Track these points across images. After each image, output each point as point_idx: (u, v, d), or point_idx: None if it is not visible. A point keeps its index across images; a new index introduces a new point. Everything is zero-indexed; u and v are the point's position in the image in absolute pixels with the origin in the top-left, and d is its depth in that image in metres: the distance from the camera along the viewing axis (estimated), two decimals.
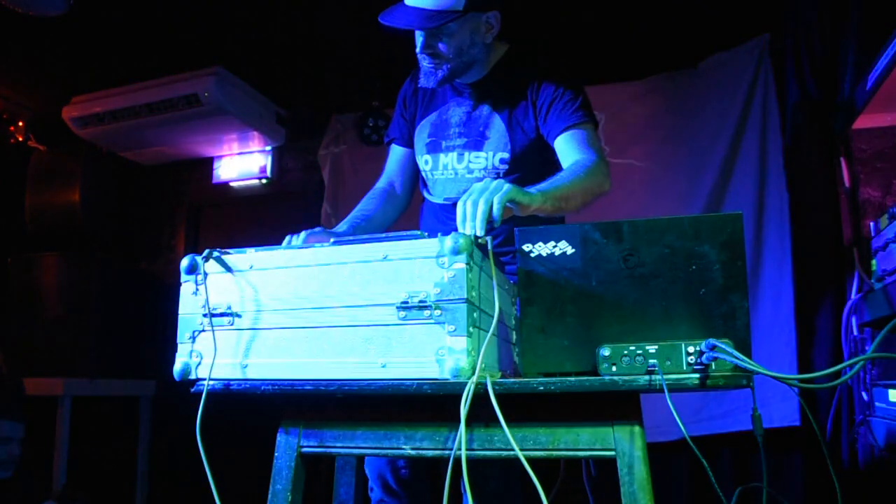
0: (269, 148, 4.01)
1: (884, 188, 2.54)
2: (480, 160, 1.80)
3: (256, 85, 3.67)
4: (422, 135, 1.91)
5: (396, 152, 2.03)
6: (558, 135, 1.72)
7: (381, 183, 2.02)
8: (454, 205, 1.82)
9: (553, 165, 1.72)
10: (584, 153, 1.66)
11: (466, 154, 1.81)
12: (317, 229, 1.56)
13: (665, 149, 3.19)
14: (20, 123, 4.03)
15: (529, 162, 1.77)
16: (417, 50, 1.73)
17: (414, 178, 2.03)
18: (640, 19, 3.04)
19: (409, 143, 1.99)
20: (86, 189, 3.75)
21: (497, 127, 1.79)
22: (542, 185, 1.47)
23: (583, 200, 1.55)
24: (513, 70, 1.82)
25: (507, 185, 1.32)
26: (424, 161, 1.89)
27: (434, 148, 1.87)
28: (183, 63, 3.44)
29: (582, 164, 1.60)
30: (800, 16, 2.75)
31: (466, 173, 1.81)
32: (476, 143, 1.81)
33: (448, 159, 1.84)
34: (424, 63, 1.74)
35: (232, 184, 4.12)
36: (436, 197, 1.89)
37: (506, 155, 1.78)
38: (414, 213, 2.04)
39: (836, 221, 2.57)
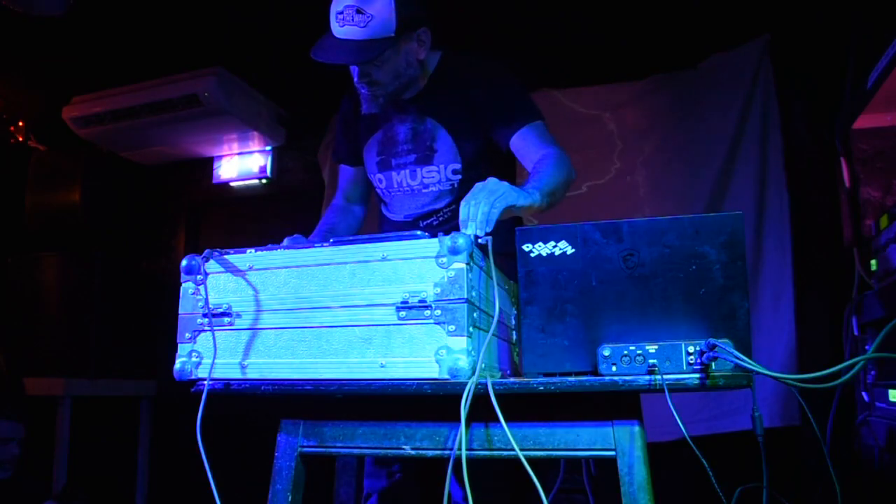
0: (269, 148, 4.01)
1: (884, 188, 2.54)
2: (433, 174, 1.81)
3: (256, 85, 3.67)
4: (370, 153, 1.91)
5: (346, 172, 2.06)
6: (511, 135, 1.72)
7: (336, 200, 2.06)
8: (415, 220, 1.85)
9: (503, 167, 1.74)
10: (545, 148, 1.67)
11: (418, 170, 1.82)
12: (296, 236, 1.57)
13: (665, 149, 3.19)
14: (20, 123, 4.03)
15: (480, 168, 1.78)
16: (355, 79, 1.72)
17: (367, 191, 2.06)
18: (640, 19, 3.04)
19: (355, 162, 2.01)
20: (86, 189, 3.75)
21: (443, 139, 1.79)
22: (532, 184, 1.48)
23: (563, 193, 1.58)
24: (449, 78, 1.81)
25: (507, 189, 1.33)
26: (378, 179, 1.90)
27: (384, 166, 1.88)
28: (183, 63, 3.44)
29: (550, 158, 1.61)
30: (800, 16, 2.75)
31: (422, 188, 1.83)
32: (426, 157, 1.81)
33: (401, 177, 1.85)
34: (363, 91, 1.73)
35: (232, 184, 4.12)
36: (395, 214, 1.91)
37: (457, 165, 1.79)
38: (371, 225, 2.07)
39: (836, 221, 2.58)
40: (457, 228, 1.31)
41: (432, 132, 1.81)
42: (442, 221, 1.83)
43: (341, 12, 1.58)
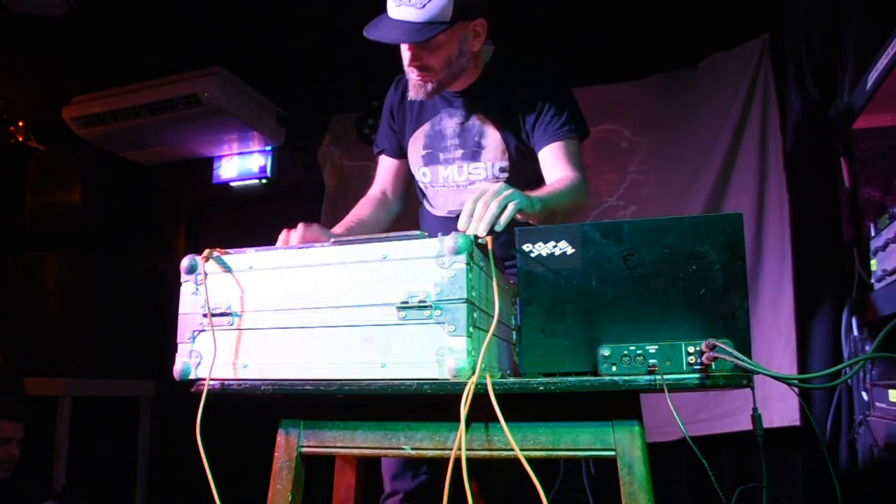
0: (269, 148, 4.01)
1: (884, 188, 2.53)
2: (480, 170, 1.80)
3: (256, 85, 3.67)
4: (416, 146, 1.89)
5: (386, 162, 2.02)
6: (543, 147, 1.72)
7: (373, 190, 2.03)
8: (458, 217, 1.84)
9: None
10: (568, 170, 1.66)
11: (466, 166, 1.81)
12: (312, 225, 1.55)
13: (665, 149, 3.19)
14: (20, 123, 4.03)
15: (528, 168, 1.77)
16: (405, 63, 1.70)
17: (406, 186, 2.03)
18: (640, 19, 3.04)
19: (398, 154, 1.98)
20: (86, 189, 3.75)
21: (492, 136, 1.79)
22: (539, 194, 1.47)
23: (564, 218, 1.56)
24: (500, 75, 1.80)
25: (516, 193, 1.32)
26: (422, 173, 1.89)
27: (431, 160, 1.86)
28: (183, 63, 3.45)
29: (569, 181, 1.60)
30: (800, 15, 2.75)
31: (468, 185, 1.82)
32: (474, 154, 1.80)
33: (448, 172, 1.84)
34: (413, 76, 1.71)
35: (232, 184, 4.13)
36: (438, 209, 1.89)
37: (505, 164, 1.78)
38: (408, 220, 2.04)
39: (836, 221, 2.57)
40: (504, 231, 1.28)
41: (480, 128, 1.80)
42: None
43: None
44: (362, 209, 1.95)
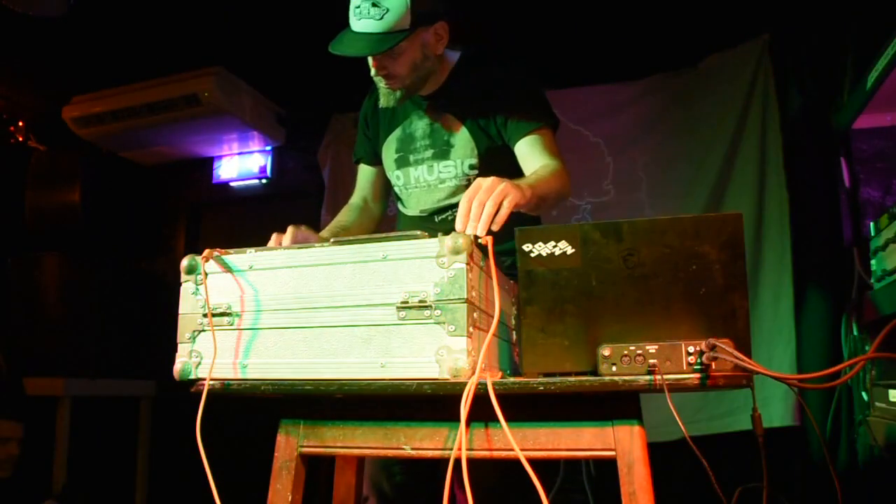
0: (269, 148, 4.01)
1: (884, 188, 2.54)
2: (450, 168, 1.82)
3: (256, 85, 3.67)
4: (389, 151, 1.92)
5: (365, 171, 2.05)
6: (519, 139, 1.74)
7: (354, 199, 2.06)
8: (430, 215, 1.85)
9: (518, 170, 1.74)
10: (548, 159, 1.69)
11: (435, 165, 1.83)
12: (302, 228, 1.57)
13: (665, 149, 3.19)
14: (20, 123, 4.03)
15: (497, 166, 1.78)
16: (372, 73, 1.74)
17: (385, 192, 2.07)
18: (640, 19, 3.04)
19: (374, 161, 2.02)
20: (86, 189, 3.75)
21: (461, 134, 1.80)
22: (528, 182, 1.48)
23: (553, 204, 1.59)
24: (469, 75, 1.83)
25: (510, 186, 1.32)
26: (396, 177, 1.91)
27: (403, 163, 1.89)
28: (183, 63, 3.45)
29: (551, 169, 1.62)
30: (800, 16, 2.75)
31: (438, 183, 1.84)
32: (443, 153, 1.82)
33: (418, 172, 1.86)
34: (381, 85, 1.75)
35: (232, 184, 4.13)
36: (410, 209, 1.91)
37: (474, 161, 1.79)
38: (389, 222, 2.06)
39: (836, 221, 2.57)
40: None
41: (449, 127, 1.82)
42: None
43: (358, 6, 1.61)
44: (345, 217, 1.99)
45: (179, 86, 3.44)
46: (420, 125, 1.86)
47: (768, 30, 2.99)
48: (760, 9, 2.94)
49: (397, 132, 1.91)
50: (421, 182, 1.87)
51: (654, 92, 3.24)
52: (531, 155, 1.72)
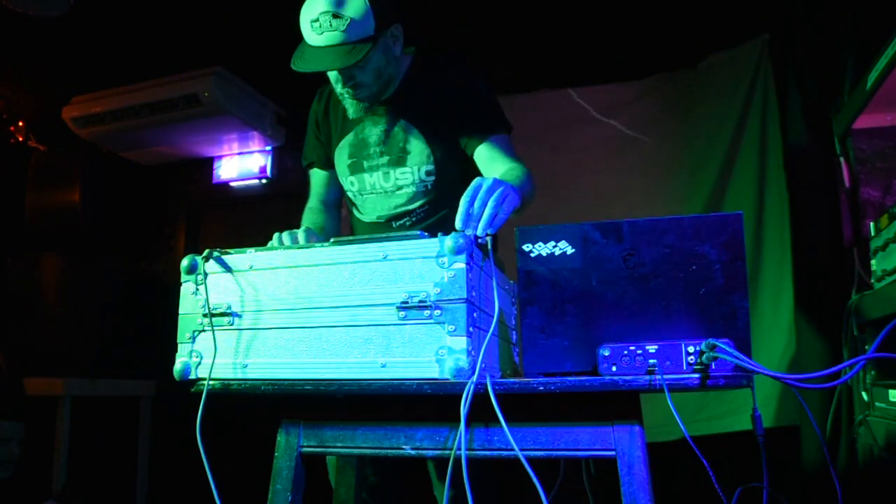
0: (269, 148, 4.01)
1: (884, 188, 2.53)
2: (406, 175, 1.80)
3: (256, 85, 3.67)
4: (342, 156, 1.90)
5: (319, 175, 2.02)
6: (478, 144, 1.73)
7: (311, 203, 2.03)
8: (388, 221, 1.84)
9: (475, 169, 1.74)
10: (511, 162, 1.68)
11: (392, 172, 1.82)
12: (308, 229, 1.57)
13: (665, 149, 3.19)
14: (20, 123, 4.03)
15: (452, 169, 1.79)
16: (338, 87, 1.71)
17: (340, 195, 2.04)
18: (640, 19, 3.04)
19: (327, 165, 1.99)
20: (86, 189, 3.75)
21: (416, 140, 1.79)
22: (513, 184, 1.45)
23: (525, 207, 1.55)
24: (422, 80, 1.81)
25: (510, 188, 1.31)
26: (350, 182, 1.89)
27: (357, 169, 1.87)
28: (183, 63, 3.45)
29: (519, 172, 1.61)
30: (800, 16, 2.75)
31: (395, 190, 1.82)
32: (399, 159, 1.80)
33: (374, 179, 1.84)
34: (347, 97, 1.72)
35: (232, 184, 4.13)
36: (367, 215, 1.90)
37: (430, 167, 1.78)
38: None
39: (836, 221, 2.57)
40: (429, 229, 1.28)
41: (405, 133, 1.80)
42: (415, 222, 1.82)
43: (316, 20, 1.56)
44: (314, 217, 1.96)
45: (179, 86, 3.44)
46: (374, 131, 1.83)
47: (768, 30, 2.98)
48: (760, 9, 2.93)
49: (349, 137, 1.88)
50: (377, 188, 1.85)
51: (654, 92, 3.24)
52: (494, 158, 1.71)
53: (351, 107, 1.74)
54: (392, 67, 1.74)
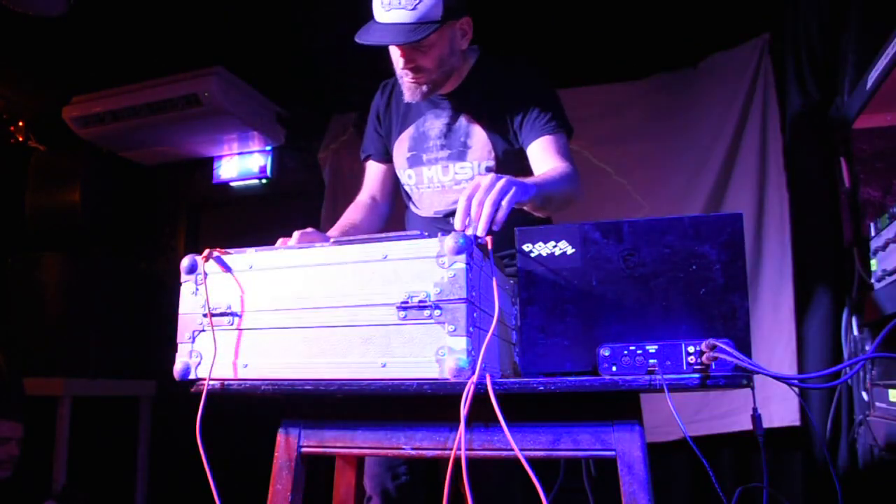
0: (269, 148, 4.01)
1: (884, 188, 2.53)
2: (466, 170, 1.80)
3: (256, 85, 3.67)
4: (401, 149, 1.90)
5: (374, 168, 2.02)
6: (532, 142, 1.73)
7: (361, 196, 2.03)
8: (445, 217, 1.83)
9: (530, 172, 1.73)
10: (559, 161, 1.68)
11: (451, 166, 1.81)
12: (308, 230, 1.55)
13: (665, 149, 3.19)
14: (20, 123, 4.03)
15: (513, 168, 1.78)
16: (398, 67, 1.71)
17: (394, 190, 2.04)
18: (640, 19, 3.04)
19: (385, 159, 1.99)
20: (86, 189, 3.75)
21: (478, 136, 1.79)
22: (534, 180, 1.47)
23: (559, 206, 1.58)
24: (487, 77, 1.81)
25: (512, 186, 1.30)
26: (408, 176, 1.89)
27: (416, 162, 1.86)
28: (183, 63, 3.45)
29: (561, 170, 1.61)
30: (800, 15, 2.75)
31: (454, 185, 1.82)
32: (459, 153, 1.80)
33: (432, 172, 1.84)
34: (407, 79, 1.72)
35: (232, 184, 4.13)
36: (423, 210, 1.89)
37: (491, 163, 1.78)
38: (398, 222, 2.04)
39: (836, 221, 2.57)
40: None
41: (467, 129, 1.80)
42: None
43: None
44: (354, 214, 1.96)
45: (179, 86, 3.44)
46: (436, 124, 1.84)
47: (768, 30, 2.99)
48: (760, 9, 2.93)
49: (410, 130, 1.88)
50: (434, 182, 1.84)
51: (654, 92, 3.24)
52: (543, 157, 1.71)
53: (408, 90, 1.74)
54: (456, 59, 1.74)
